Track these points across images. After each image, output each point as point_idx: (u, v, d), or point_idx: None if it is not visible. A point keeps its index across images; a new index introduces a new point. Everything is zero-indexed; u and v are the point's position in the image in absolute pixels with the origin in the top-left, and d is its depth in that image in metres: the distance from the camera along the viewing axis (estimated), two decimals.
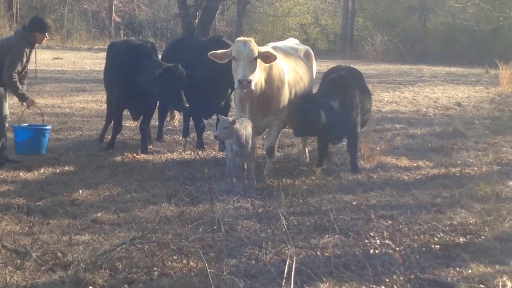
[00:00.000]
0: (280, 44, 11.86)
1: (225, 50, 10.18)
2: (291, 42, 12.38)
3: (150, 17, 47.62)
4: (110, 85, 12.43)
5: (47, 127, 11.23)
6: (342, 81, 10.99)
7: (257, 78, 9.85)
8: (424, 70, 30.36)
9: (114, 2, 47.42)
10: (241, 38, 10.13)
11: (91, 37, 43.57)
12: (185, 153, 11.84)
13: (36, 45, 10.85)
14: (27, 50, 10.55)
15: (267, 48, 10.66)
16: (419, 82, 24.92)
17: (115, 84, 12.11)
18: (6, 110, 10.75)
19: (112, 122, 12.41)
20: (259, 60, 9.86)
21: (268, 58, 9.99)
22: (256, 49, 9.85)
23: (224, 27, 46.22)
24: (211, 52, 10.27)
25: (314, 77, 12.11)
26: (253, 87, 9.69)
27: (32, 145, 10.82)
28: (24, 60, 10.52)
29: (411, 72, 29.15)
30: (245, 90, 9.72)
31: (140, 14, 47.89)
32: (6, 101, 10.70)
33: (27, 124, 11.47)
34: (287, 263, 6.13)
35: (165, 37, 44.25)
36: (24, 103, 10.94)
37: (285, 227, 7.13)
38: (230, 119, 9.68)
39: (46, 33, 10.81)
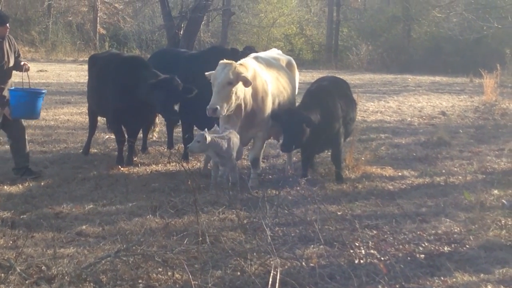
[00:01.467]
0: (262, 54, 11.91)
1: (213, 72, 10.15)
2: (274, 52, 12.43)
3: (135, 29, 47.54)
4: (98, 98, 12.33)
5: (43, 90, 11.14)
6: (322, 92, 11.03)
7: (231, 103, 9.89)
8: (409, 79, 30.44)
9: (99, 14, 47.38)
10: (224, 61, 10.12)
11: (76, 49, 43.45)
12: (170, 165, 11.83)
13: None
14: None
15: (249, 61, 10.66)
16: (404, 91, 25.00)
17: (110, 96, 11.89)
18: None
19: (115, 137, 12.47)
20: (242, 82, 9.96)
21: (245, 83, 10.00)
22: (233, 74, 9.84)
23: (209, 38, 46.23)
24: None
25: (297, 87, 12.15)
26: (222, 113, 9.81)
27: (28, 109, 10.74)
28: None
29: (395, 82, 29.25)
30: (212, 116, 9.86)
31: (125, 26, 47.81)
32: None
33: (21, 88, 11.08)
34: (272, 274, 6.12)
35: (150, 49, 44.18)
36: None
37: (270, 238, 7.13)
38: (206, 134, 9.79)
39: (7, 24, 10.59)
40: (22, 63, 10.83)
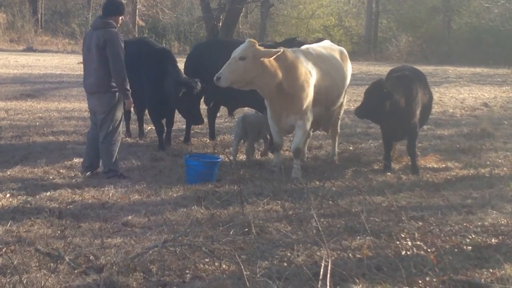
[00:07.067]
0: (314, 45, 11.87)
1: None
2: (326, 43, 12.33)
3: (173, 21, 47.77)
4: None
5: (218, 159, 10.80)
6: (407, 79, 11.12)
7: (237, 78, 10.27)
8: (449, 70, 30.23)
9: (137, 6, 47.60)
10: (249, 39, 10.74)
11: None
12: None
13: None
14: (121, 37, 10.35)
15: (294, 51, 10.72)
16: (445, 83, 24.85)
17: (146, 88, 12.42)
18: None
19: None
20: (272, 60, 10.30)
21: (256, 55, 10.31)
22: (248, 51, 10.25)
23: (247, 29, 46.33)
24: None
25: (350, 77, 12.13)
26: (223, 85, 10.21)
27: (204, 177, 10.23)
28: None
29: (436, 73, 29.04)
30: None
31: (164, 18, 48.03)
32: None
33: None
34: (323, 264, 6.09)
35: (188, 41, 44.40)
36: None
37: (320, 228, 7.12)
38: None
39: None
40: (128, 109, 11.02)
